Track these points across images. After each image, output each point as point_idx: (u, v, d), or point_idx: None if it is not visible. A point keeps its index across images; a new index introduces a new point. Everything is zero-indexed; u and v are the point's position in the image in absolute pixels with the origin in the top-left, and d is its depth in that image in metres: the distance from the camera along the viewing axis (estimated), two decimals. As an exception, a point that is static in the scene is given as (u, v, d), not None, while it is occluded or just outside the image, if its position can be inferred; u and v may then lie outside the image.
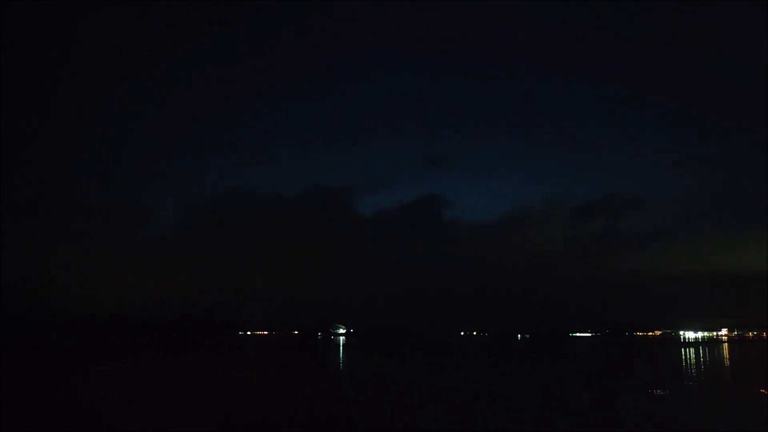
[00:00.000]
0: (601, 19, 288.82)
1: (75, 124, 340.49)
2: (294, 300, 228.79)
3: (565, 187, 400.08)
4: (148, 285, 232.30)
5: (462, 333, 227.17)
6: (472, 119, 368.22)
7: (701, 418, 18.87)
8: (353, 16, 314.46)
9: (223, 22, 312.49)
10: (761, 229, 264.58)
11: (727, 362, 51.09)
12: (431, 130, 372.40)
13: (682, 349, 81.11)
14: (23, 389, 25.22)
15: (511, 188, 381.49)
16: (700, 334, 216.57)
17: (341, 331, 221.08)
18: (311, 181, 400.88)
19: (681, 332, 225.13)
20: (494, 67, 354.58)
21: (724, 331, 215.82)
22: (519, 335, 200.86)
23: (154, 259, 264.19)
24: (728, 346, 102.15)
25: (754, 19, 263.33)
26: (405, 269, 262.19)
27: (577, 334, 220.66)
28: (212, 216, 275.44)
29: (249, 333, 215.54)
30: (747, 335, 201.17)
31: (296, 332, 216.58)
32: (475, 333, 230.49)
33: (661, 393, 25.76)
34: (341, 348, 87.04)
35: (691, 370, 39.29)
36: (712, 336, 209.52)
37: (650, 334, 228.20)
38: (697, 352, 70.45)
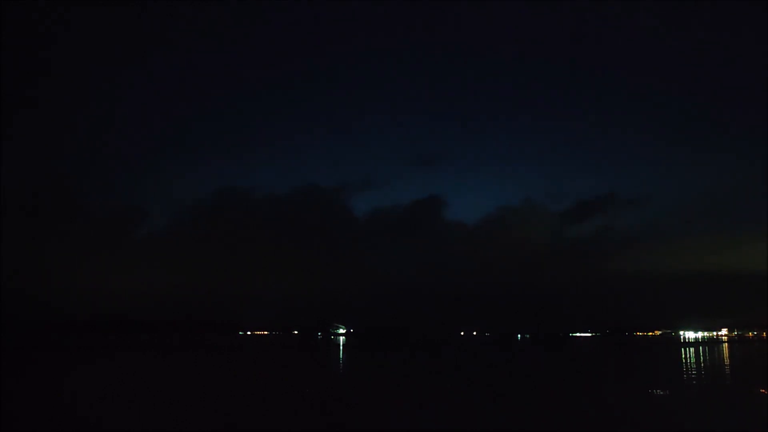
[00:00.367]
0: (597, 16, 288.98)
1: (67, 124, 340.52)
2: (294, 300, 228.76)
3: (564, 186, 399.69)
4: (148, 285, 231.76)
5: (462, 333, 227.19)
6: (471, 117, 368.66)
7: (701, 418, 18.88)
8: (346, 15, 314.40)
9: (216, 22, 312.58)
10: (761, 229, 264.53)
11: (727, 362, 51.07)
12: (428, 128, 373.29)
13: (682, 349, 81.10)
14: (23, 389, 25.22)
15: (509, 187, 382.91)
16: (700, 334, 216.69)
17: (341, 331, 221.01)
18: (303, 181, 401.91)
19: (681, 332, 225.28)
20: (493, 65, 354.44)
21: (724, 331, 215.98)
22: (519, 335, 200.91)
23: (152, 258, 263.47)
24: (728, 346, 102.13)
25: (754, 18, 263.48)
26: (405, 269, 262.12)
27: (577, 334, 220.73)
28: (206, 215, 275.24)
29: (249, 333, 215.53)
30: (747, 335, 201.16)
31: (296, 332, 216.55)
32: (475, 333, 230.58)
33: (661, 393, 25.76)
34: (341, 348, 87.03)
35: (691, 370, 39.29)
36: (712, 336, 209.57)
37: (650, 334, 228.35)
38: (697, 352, 70.44)
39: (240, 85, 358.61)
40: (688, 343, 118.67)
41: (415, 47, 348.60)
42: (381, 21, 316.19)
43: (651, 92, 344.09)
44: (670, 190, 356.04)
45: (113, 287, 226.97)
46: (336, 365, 46.44)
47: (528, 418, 18.15)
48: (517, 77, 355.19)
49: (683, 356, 60.52)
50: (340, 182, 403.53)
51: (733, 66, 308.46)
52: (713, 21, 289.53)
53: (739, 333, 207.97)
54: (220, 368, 40.41)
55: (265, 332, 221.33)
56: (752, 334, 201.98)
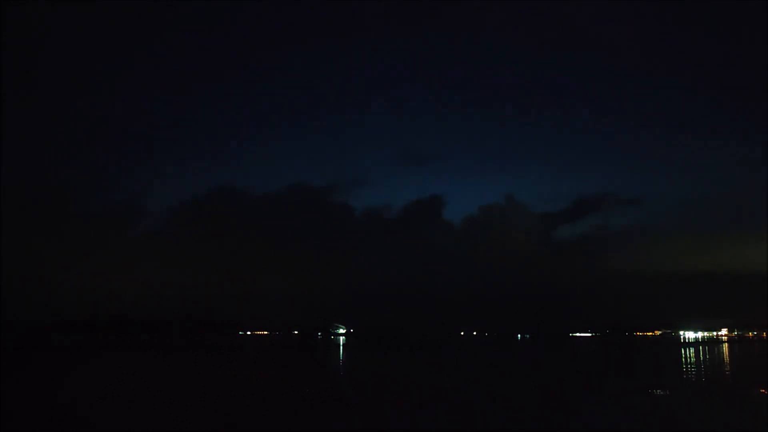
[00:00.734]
0: (593, 13, 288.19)
1: (63, 124, 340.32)
2: (294, 300, 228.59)
3: (564, 186, 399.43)
4: (148, 285, 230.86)
5: (462, 333, 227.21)
6: (471, 116, 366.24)
7: (701, 418, 18.87)
8: (340, 14, 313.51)
9: (209, 21, 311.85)
10: (761, 229, 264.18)
11: (727, 362, 51.08)
12: (424, 127, 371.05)
13: (682, 349, 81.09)
14: (23, 389, 25.22)
15: (507, 187, 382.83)
16: (700, 334, 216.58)
17: (341, 331, 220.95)
18: (298, 179, 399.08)
19: (681, 332, 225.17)
20: (491, 62, 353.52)
21: (724, 331, 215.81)
22: (519, 335, 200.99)
23: (151, 258, 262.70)
24: (728, 346, 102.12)
25: (754, 18, 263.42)
26: (404, 269, 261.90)
27: (577, 334, 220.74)
28: (203, 215, 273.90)
29: (249, 333, 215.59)
30: (747, 335, 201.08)
31: (296, 332, 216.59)
32: (475, 333, 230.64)
33: (661, 393, 25.76)
34: (341, 348, 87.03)
35: (691, 370, 39.29)
36: (712, 336, 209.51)
37: (650, 334, 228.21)
38: (697, 352, 70.43)
39: (236, 84, 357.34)
40: (688, 343, 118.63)
41: (410, 48, 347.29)
42: (373, 21, 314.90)
43: (651, 92, 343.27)
44: (670, 190, 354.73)
45: (113, 287, 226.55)
46: (336, 365, 46.46)
47: (528, 418, 18.15)
48: (517, 77, 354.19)
49: (683, 356, 60.51)
50: (331, 181, 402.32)
51: (733, 66, 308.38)
52: (713, 21, 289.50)
53: (739, 333, 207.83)
54: (220, 368, 40.42)
55: (265, 332, 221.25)
56: (752, 334, 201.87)
